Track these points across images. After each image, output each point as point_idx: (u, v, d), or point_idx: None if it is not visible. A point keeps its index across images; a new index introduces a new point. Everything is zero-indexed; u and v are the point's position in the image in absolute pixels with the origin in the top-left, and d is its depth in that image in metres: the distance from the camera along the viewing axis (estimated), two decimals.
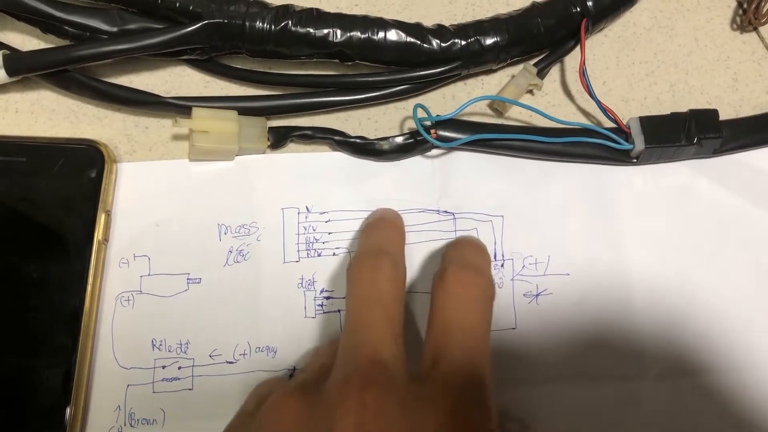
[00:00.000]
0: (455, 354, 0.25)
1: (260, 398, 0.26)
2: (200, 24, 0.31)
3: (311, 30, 0.31)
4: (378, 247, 0.29)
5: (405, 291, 0.27)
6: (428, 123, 0.32)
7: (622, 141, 0.33)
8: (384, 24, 0.32)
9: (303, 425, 0.23)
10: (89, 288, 0.30)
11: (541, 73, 0.34)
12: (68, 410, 0.28)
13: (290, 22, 0.31)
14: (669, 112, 0.33)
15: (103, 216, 0.31)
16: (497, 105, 0.34)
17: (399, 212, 0.32)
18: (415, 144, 0.33)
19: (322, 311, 0.31)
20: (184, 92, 0.34)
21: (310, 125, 0.33)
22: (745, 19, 0.37)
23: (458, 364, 0.24)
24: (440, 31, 0.33)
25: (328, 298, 0.31)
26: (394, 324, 0.26)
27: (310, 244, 0.32)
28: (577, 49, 0.34)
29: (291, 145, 0.33)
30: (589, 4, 0.34)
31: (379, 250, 0.28)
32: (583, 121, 0.35)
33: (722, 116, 0.34)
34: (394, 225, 0.31)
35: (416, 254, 0.32)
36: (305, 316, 0.31)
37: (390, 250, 0.28)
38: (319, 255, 0.32)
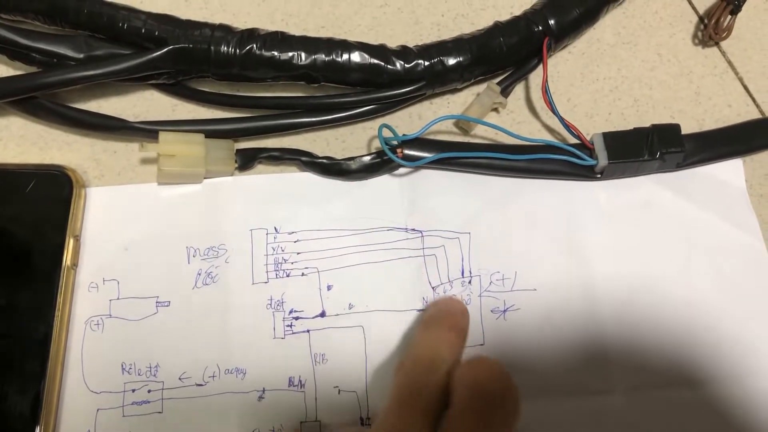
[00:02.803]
0: None
1: None
2: (166, 49, 0.31)
3: (276, 53, 0.32)
4: (433, 351, 0.27)
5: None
6: (394, 142, 0.33)
7: (585, 157, 0.33)
8: (348, 46, 0.32)
9: None
10: (58, 313, 0.30)
11: (505, 92, 0.35)
12: None
13: (255, 45, 0.32)
14: (632, 128, 0.34)
15: (71, 241, 0.31)
16: (462, 123, 0.35)
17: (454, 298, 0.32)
18: (382, 163, 0.33)
19: (291, 332, 0.31)
20: (152, 116, 0.34)
21: (278, 146, 0.34)
22: (706, 34, 0.37)
23: None
24: (404, 52, 0.33)
25: (297, 318, 0.31)
26: (429, 420, 0.25)
27: (279, 265, 0.32)
28: (541, 66, 0.35)
29: (259, 167, 0.34)
30: (551, 22, 0.34)
31: (434, 356, 0.27)
32: (549, 137, 0.35)
33: (686, 130, 0.34)
34: (455, 327, 0.29)
35: (385, 272, 0.32)
36: (274, 337, 0.31)
37: (444, 355, 0.27)
38: (287, 275, 0.32)
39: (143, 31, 0.31)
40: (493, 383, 0.25)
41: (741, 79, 0.37)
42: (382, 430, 0.25)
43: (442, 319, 0.30)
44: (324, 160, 0.33)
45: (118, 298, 0.31)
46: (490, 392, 0.25)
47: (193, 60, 0.32)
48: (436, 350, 0.27)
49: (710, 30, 0.37)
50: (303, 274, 0.32)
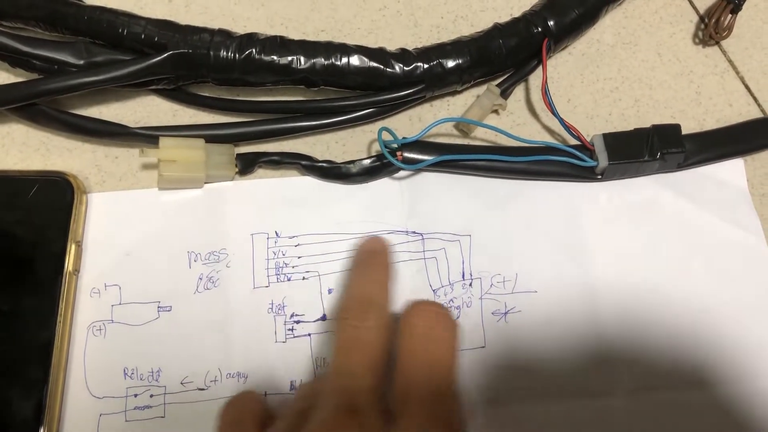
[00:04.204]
0: (423, 393, 0.25)
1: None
2: (165, 55, 0.31)
3: (275, 58, 0.32)
4: (364, 294, 0.28)
5: (390, 336, 0.27)
6: (394, 145, 0.33)
7: (586, 158, 0.33)
8: (347, 50, 0.32)
9: None
10: (60, 319, 0.30)
11: (505, 93, 0.35)
12: None
13: (254, 50, 0.32)
14: (633, 128, 0.34)
15: (73, 247, 0.31)
16: (462, 125, 0.35)
17: (376, 237, 0.32)
18: (382, 166, 0.33)
19: (292, 336, 0.31)
20: (153, 121, 0.34)
21: (278, 151, 0.34)
22: (706, 33, 0.37)
23: (426, 404, 0.25)
24: (403, 55, 0.33)
25: (298, 322, 0.31)
26: (375, 372, 0.26)
27: (280, 269, 0.32)
28: (541, 68, 0.35)
29: (259, 171, 0.34)
30: (550, 23, 0.34)
31: (365, 300, 0.28)
32: (550, 139, 0.35)
33: (686, 130, 0.34)
34: (381, 264, 0.30)
35: None
36: (276, 341, 0.31)
37: (376, 296, 0.28)
38: (288, 279, 0.32)
39: (143, 36, 0.32)
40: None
41: (742, 78, 0.37)
42: (333, 372, 0.26)
43: (367, 261, 0.31)
44: (324, 164, 0.33)
45: (120, 304, 0.31)
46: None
47: (193, 65, 0.32)
48: (367, 293, 0.28)
49: (711, 29, 0.37)
50: (304, 278, 0.32)
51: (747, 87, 0.37)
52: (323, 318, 0.31)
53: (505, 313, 0.32)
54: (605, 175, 0.34)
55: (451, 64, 0.33)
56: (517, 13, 0.36)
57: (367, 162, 0.33)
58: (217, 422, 0.27)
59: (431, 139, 0.34)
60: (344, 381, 0.26)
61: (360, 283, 0.30)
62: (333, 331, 0.27)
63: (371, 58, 0.33)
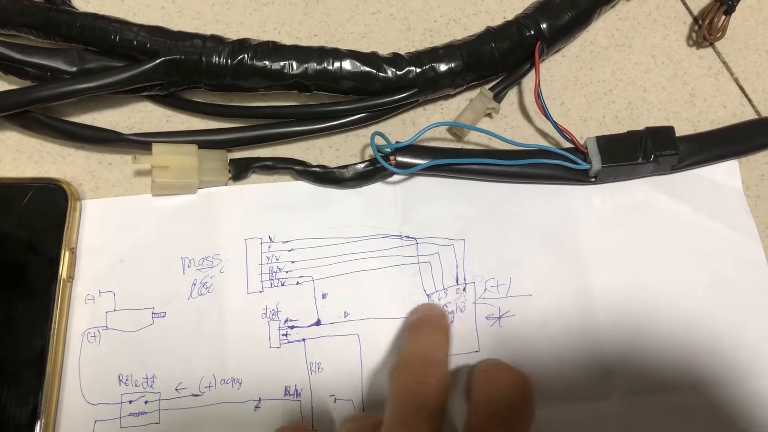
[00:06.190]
0: None
1: None
2: (158, 61, 0.31)
3: (267, 63, 0.32)
4: (424, 352, 0.28)
5: (448, 395, 0.26)
6: (388, 150, 0.33)
7: (579, 161, 0.33)
8: (339, 54, 0.32)
9: None
10: (55, 326, 0.30)
11: (498, 97, 0.35)
12: None
13: (246, 55, 0.32)
14: (626, 130, 0.34)
15: (67, 254, 0.31)
16: (455, 129, 0.35)
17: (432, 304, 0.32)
18: (375, 171, 0.33)
19: (286, 341, 0.31)
20: (146, 127, 0.34)
21: (271, 156, 0.34)
22: (700, 34, 0.37)
23: None
24: (395, 59, 0.33)
25: (292, 327, 0.31)
26: (434, 427, 0.25)
27: (274, 274, 0.32)
28: (534, 71, 0.35)
29: (253, 176, 0.34)
30: (543, 26, 0.34)
31: (426, 357, 0.27)
32: (543, 142, 0.35)
33: (680, 131, 0.34)
34: (439, 327, 0.30)
35: (380, 280, 0.32)
36: (270, 347, 0.31)
37: (435, 355, 0.28)
38: (282, 284, 0.32)
39: (135, 43, 0.32)
40: (514, 391, 0.26)
41: (736, 80, 0.37)
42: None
43: (425, 322, 0.30)
44: (317, 169, 0.33)
45: (114, 310, 0.31)
46: (511, 399, 0.26)
47: (185, 71, 0.32)
48: (428, 352, 0.28)
49: (704, 31, 0.37)
50: (298, 283, 0.32)
51: (741, 88, 0.37)
52: (317, 323, 0.31)
53: (499, 318, 0.32)
54: (599, 178, 0.34)
55: (443, 68, 0.33)
56: (509, 17, 0.36)
57: (360, 166, 0.33)
58: None
59: (424, 143, 0.34)
60: None
61: (419, 342, 0.29)
62: (389, 388, 0.27)
63: (364, 63, 0.33)
